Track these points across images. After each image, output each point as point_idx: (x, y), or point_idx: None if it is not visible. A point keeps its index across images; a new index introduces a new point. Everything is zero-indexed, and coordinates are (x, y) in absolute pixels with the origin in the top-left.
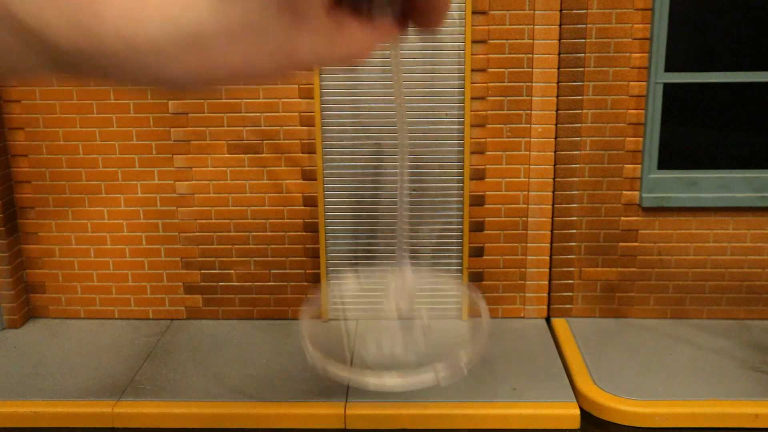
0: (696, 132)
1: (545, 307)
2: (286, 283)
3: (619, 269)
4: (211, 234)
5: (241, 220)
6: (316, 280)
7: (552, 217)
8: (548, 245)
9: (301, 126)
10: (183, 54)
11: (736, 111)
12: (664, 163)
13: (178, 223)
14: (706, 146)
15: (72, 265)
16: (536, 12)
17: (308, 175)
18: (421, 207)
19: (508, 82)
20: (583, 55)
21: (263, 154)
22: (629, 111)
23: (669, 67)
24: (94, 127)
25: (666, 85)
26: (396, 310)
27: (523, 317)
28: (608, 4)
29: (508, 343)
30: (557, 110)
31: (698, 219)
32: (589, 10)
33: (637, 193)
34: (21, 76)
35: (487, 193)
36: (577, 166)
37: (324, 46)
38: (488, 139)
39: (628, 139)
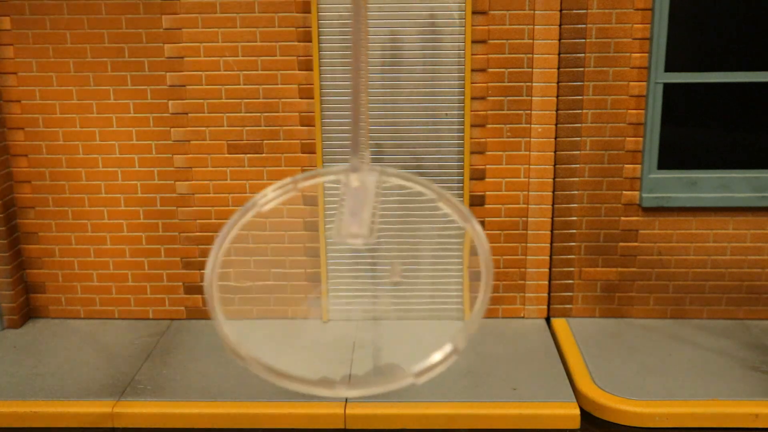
0: (696, 132)
1: (545, 307)
2: (286, 283)
3: (619, 269)
4: (211, 234)
5: None
6: (316, 280)
7: (552, 217)
8: (548, 245)
9: (301, 126)
10: None
11: (736, 111)
12: (664, 163)
13: (178, 223)
14: (706, 146)
15: (72, 265)
16: (536, 12)
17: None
18: (420, 207)
19: (508, 82)
20: (583, 55)
21: (263, 154)
22: (629, 111)
23: (669, 67)
24: (94, 127)
25: (666, 85)
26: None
27: (523, 317)
28: (608, 4)
29: (508, 343)
30: (557, 110)
31: (698, 219)
32: (589, 10)
33: (637, 193)
34: None
35: (487, 193)
36: (577, 166)
37: None
38: (488, 139)
39: (628, 139)
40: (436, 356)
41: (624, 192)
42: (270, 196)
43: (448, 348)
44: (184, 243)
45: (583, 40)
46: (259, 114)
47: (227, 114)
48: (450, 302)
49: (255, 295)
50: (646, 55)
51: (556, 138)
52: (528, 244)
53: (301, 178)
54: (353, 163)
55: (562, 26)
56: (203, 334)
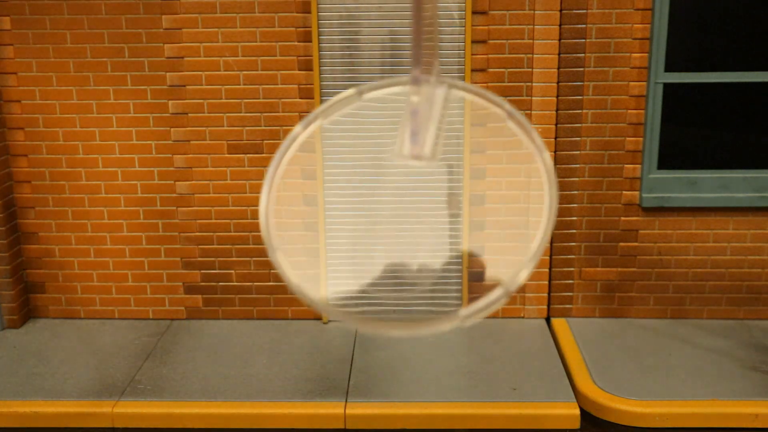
0: (696, 132)
1: (545, 307)
2: (285, 283)
3: (619, 269)
4: (211, 234)
5: (241, 220)
6: (316, 280)
7: None
8: (548, 245)
9: None
10: None
11: (736, 111)
12: (664, 163)
13: (178, 223)
14: (706, 146)
15: (72, 265)
16: (536, 12)
17: (308, 175)
18: (421, 207)
19: (508, 82)
20: (583, 55)
21: (263, 154)
22: (629, 111)
23: (669, 67)
24: (94, 127)
25: (666, 85)
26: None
27: (523, 317)
28: (608, 4)
29: (508, 343)
30: (557, 110)
31: (698, 219)
32: (589, 10)
33: (637, 193)
34: None
35: (488, 192)
36: (577, 166)
37: None
38: (488, 139)
39: (628, 139)
40: (486, 299)
41: (624, 192)
42: (334, 107)
43: (498, 291)
44: (184, 243)
45: (583, 40)
46: (259, 114)
47: (227, 114)
48: (450, 302)
49: (255, 295)
50: (646, 55)
51: (556, 138)
52: (528, 244)
53: (366, 88)
54: (414, 75)
55: (562, 26)
56: (203, 334)
